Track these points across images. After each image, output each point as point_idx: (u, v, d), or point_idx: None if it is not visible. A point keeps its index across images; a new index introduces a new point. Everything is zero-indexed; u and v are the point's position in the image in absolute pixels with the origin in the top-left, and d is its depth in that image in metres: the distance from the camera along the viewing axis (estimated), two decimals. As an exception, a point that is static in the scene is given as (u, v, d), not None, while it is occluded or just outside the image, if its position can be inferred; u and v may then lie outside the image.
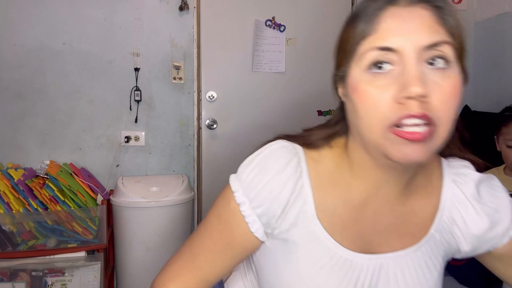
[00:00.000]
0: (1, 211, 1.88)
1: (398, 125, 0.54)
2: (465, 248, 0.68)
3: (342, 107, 0.66)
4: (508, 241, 0.68)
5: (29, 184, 1.95)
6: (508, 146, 1.57)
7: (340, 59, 0.60)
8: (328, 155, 0.66)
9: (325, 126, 0.70)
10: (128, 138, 2.37)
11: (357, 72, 0.57)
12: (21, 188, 1.91)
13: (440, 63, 0.54)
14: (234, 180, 0.66)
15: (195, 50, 2.42)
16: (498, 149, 1.68)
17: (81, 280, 1.94)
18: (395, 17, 0.54)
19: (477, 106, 2.79)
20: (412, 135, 0.53)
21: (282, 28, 2.52)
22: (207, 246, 0.69)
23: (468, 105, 2.86)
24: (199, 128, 2.47)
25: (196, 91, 2.44)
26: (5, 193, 1.90)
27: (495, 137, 1.70)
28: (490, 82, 2.70)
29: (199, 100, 2.46)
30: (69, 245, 1.94)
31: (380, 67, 0.55)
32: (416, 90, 0.51)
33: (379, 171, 0.61)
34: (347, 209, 0.64)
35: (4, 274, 1.87)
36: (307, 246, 0.63)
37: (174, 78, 2.40)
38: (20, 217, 1.90)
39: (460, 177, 0.68)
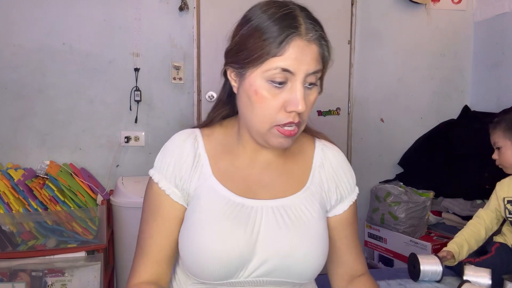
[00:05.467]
0: (1, 211, 1.88)
1: (280, 125, 0.76)
2: (331, 201, 0.89)
3: (230, 90, 0.87)
4: (349, 206, 0.91)
5: (29, 184, 1.95)
6: (497, 148, 1.63)
7: (242, 59, 0.77)
8: (219, 131, 0.88)
9: (216, 109, 0.91)
10: (128, 138, 2.37)
11: (260, 79, 0.75)
12: (21, 188, 1.91)
13: (313, 86, 0.78)
14: (151, 170, 0.86)
15: (195, 50, 2.42)
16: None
17: (81, 280, 1.94)
18: (298, 48, 0.73)
19: (477, 106, 2.79)
20: (288, 132, 0.77)
21: (282, 28, 2.52)
22: (147, 233, 0.84)
23: (468, 105, 2.86)
24: (199, 128, 2.47)
25: (196, 91, 2.44)
26: (5, 193, 1.90)
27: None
28: (490, 82, 2.70)
29: (199, 100, 2.46)
30: (69, 245, 1.94)
31: (280, 84, 0.74)
32: (301, 108, 0.74)
33: (258, 145, 0.84)
34: (236, 170, 0.85)
35: (4, 274, 1.87)
36: (207, 197, 0.81)
37: (174, 78, 2.40)
38: (20, 217, 1.90)
39: (326, 147, 0.93)
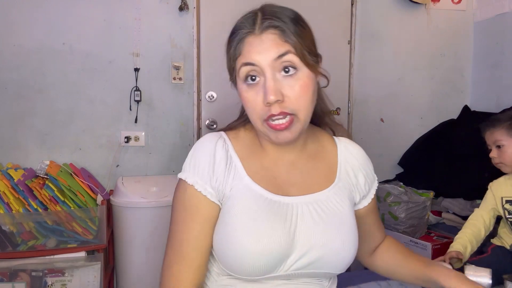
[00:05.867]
0: (1, 211, 1.88)
1: (270, 120, 0.78)
2: (360, 194, 0.95)
3: None
4: (366, 204, 0.96)
5: (29, 184, 1.95)
6: (497, 146, 1.61)
7: (230, 72, 0.84)
8: (244, 134, 0.90)
9: (240, 116, 0.94)
10: (128, 138, 2.36)
11: (240, 84, 0.81)
12: (21, 188, 1.91)
13: (291, 70, 0.78)
14: (181, 175, 0.86)
15: (195, 50, 2.42)
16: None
17: (81, 280, 1.94)
18: (251, 42, 0.78)
19: (477, 106, 2.79)
20: (278, 126, 0.78)
21: (282, 28, 2.52)
22: (185, 237, 0.83)
23: (468, 105, 2.86)
24: (199, 128, 2.47)
25: (196, 91, 2.44)
26: (5, 193, 1.90)
27: None
28: (490, 82, 2.70)
29: (199, 100, 2.46)
30: (69, 245, 1.94)
31: (253, 79, 0.78)
32: (271, 98, 0.75)
33: (276, 146, 0.87)
34: (266, 170, 0.87)
35: (4, 274, 1.87)
36: (245, 197, 0.82)
37: (174, 78, 2.40)
38: (20, 217, 1.90)
39: (348, 144, 0.97)
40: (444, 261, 1.48)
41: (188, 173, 0.84)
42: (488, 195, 1.68)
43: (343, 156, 0.94)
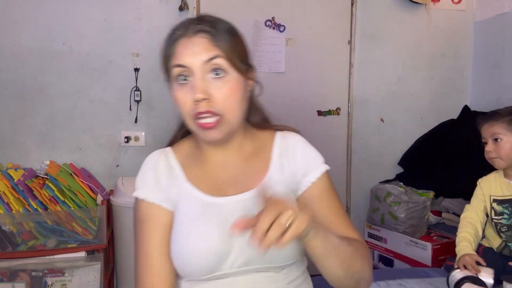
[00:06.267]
0: (1, 211, 1.88)
1: (198, 118, 0.82)
2: (298, 177, 0.92)
3: None
4: (317, 179, 0.92)
5: (29, 184, 1.95)
6: (494, 139, 1.57)
7: (165, 72, 0.88)
8: (188, 143, 0.97)
9: (181, 127, 1.00)
10: (128, 138, 2.37)
11: (174, 84, 0.85)
12: (21, 189, 1.91)
13: (220, 73, 0.82)
14: (134, 193, 0.91)
15: (195, 50, 2.41)
16: None
17: (81, 280, 1.94)
18: (184, 44, 0.83)
19: (477, 106, 2.79)
20: (205, 124, 0.82)
21: (281, 28, 2.52)
22: (150, 249, 0.87)
23: (468, 105, 2.86)
24: (199, 128, 2.47)
25: (196, 91, 2.44)
26: (5, 193, 1.90)
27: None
28: (490, 82, 2.70)
29: (199, 100, 2.46)
30: (69, 245, 1.94)
31: (184, 79, 0.83)
32: (198, 96, 0.80)
33: (210, 146, 0.91)
34: (205, 173, 0.91)
35: (4, 274, 1.87)
36: (186, 202, 0.88)
37: (174, 78, 2.40)
38: (20, 217, 1.90)
39: (286, 134, 0.97)
40: (458, 267, 1.47)
41: (138, 190, 0.91)
42: (478, 191, 1.66)
43: (277, 147, 0.94)
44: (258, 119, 0.97)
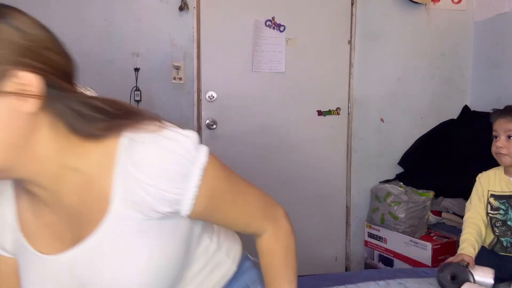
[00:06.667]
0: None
1: None
2: (158, 211, 0.67)
3: None
4: (191, 210, 0.69)
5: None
6: (495, 136, 1.57)
7: None
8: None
9: None
10: (128, 138, 2.36)
11: None
12: None
13: None
14: None
15: (195, 50, 2.42)
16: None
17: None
18: None
19: (477, 106, 2.79)
20: None
21: (282, 28, 2.52)
22: None
23: (468, 105, 2.86)
24: (199, 128, 2.48)
25: (196, 91, 2.44)
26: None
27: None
28: (490, 82, 2.70)
29: (199, 100, 2.46)
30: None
31: None
32: None
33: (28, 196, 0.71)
34: (34, 219, 0.72)
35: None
36: (20, 256, 0.74)
37: (174, 78, 2.40)
38: None
39: (136, 152, 0.67)
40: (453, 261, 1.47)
41: None
42: (478, 187, 1.67)
43: (121, 177, 0.65)
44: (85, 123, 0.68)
